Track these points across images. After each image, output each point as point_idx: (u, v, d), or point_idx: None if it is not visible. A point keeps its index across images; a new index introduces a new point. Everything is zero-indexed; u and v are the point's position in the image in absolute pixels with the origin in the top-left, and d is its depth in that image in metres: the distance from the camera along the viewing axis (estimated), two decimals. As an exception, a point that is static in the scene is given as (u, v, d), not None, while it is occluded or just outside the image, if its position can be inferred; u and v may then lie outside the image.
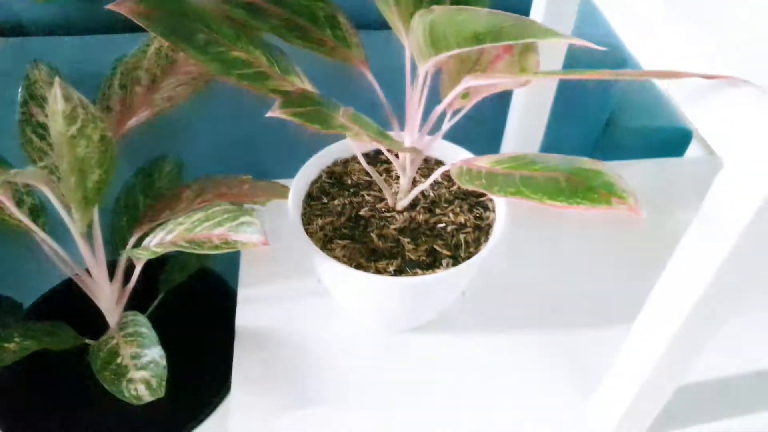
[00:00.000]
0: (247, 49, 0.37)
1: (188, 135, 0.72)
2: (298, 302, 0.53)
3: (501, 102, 0.65)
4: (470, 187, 0.31)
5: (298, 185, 0.47)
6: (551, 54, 0.56)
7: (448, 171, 0.42)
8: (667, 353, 0.37)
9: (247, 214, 0.37)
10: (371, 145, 0.50)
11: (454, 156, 0.50)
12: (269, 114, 0.34)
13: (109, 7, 0.34)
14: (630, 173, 0.66)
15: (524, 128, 0.61)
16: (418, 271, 0.42)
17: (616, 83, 0.70)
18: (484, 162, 0.35)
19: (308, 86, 0.39)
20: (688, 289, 0.33)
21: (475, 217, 0.46)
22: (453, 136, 0.57)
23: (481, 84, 0.38)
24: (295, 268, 0.55)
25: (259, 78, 0.36)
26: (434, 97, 0.42)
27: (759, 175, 0.28)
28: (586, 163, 0.30)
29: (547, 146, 0.69)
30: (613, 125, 0.72)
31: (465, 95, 0.43)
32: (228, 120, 0.67)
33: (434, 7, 0.29)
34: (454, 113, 0.44)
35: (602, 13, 0.40)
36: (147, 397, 0.40)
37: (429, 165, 0.50)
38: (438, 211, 0.46)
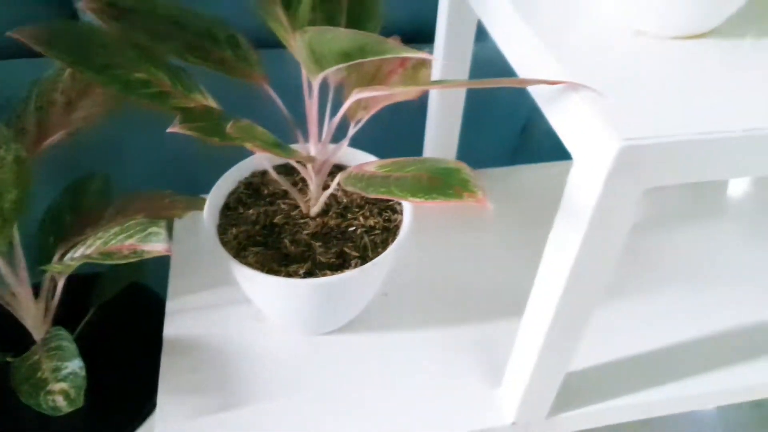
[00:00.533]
0: (148, 71, 0.39)
1: (125, 151, 0.74)
2: (224, 310, 0.55)
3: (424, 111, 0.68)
4: (351, 189, 0.34)
5: (215, 197, 0.49)
6: (457, 66, 0.59)
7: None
8: (548, 339, 0.40)
9: (155, 225, 0.40)
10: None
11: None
12: (169, 130, 0.37)
13: (10, 34, 0.36)
14: (545, 174, 0.72)
15: (440, 135, 0.65)
16: (328, 272, 0.44)
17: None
18: (372, 167, 0.38)
19: (211, 102, 0.41)
20: (557, 276, 0.37)
21: (384, 220, 0.49)
22: (384, 144, 0.59)
23: (374, 96, 0.42)
24: (224, 278, 0.57)
25: (160, 97, 0.38)
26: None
27: (597, 166, 0.32)
28: (451, 163, 0.33)
29: (467, 153, 0.73)
30: (530, 129, 0.77)
31: (365, 106, 0.46)
32: (163, 135, 0.69)
33: (307, 28, 0.32)
34: (358, 122, 0.47)
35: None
36: (65, 407, 0.41)
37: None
38: (349, 215, 0.49)
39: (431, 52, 0.58)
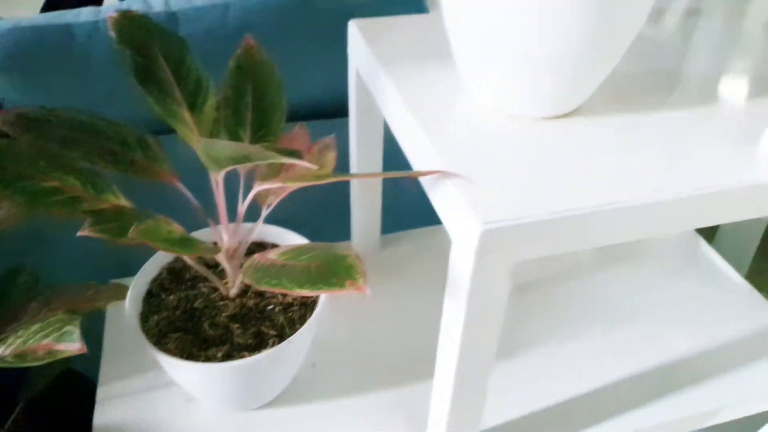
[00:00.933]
0: (59, 178, 0.41)
1: (56, 238, 0.74)
2: (155, 393, 0.56)
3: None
4: (249, 282, 0.37)
5: (137, 285, 0.51)
6: (371, 136, 0.63)
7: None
8: (455, 396, 0.43)
9: (71, 323, 0.41)
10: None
11: (288, 241, 0.56)
12: (79, 233, 0.39)
13: None
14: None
15: (364, 200, 0.68)
16: (245, 353, 0.46)
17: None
18: (274, 254, 0.41)
19: (123, 202, 0.44)
20: (453, 339, 0.40)
21: (302, 296, 0.51)
22: (330, 215, 0.60)
23: (275, 187, 0.45)
24: (154, 361, 0.58)
25: (70, 203, 0.41)
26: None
27: (467, 245, 0.35)
28: (341, 249, 0.37)
29: (393, 213, 0.77)
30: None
31: (274, 191, 0.49)
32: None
33: (200, 138, 0.36)
34: (269, 206, 0.50)
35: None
36: None
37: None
38: (268, 294, 0.51)
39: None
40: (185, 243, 0.40)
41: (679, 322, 0.64)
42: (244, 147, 0.33)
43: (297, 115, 0.80)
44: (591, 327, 0.63)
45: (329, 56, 0.74)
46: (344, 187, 0.71)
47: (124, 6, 0.69)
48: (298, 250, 0.39)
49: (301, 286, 0.34)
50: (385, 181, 0.70)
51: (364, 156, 0.64)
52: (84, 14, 0.66)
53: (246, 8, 0.68)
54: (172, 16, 0.66)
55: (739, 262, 0.87)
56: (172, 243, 0.38)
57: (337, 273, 0.34)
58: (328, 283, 0.33)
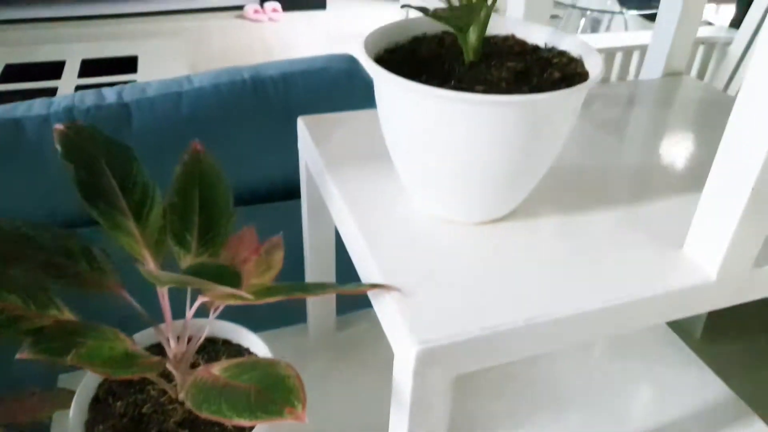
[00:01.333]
0: (-2, 297, 0.41)
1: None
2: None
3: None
4: (189, 405, 0.37)
5: (83, 391, 0.50)
6: (322, 220, 0.64)
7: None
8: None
9: (7, 447, 0.40)
10: (152, 339, 0.55)
11: (239, 337, 0.56)
12: (18, 356, 0.39)
13: None
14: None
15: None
16: (193, 463, 0.46)
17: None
18: (217, 369, 0.41)
19: (67, 316, 0.44)
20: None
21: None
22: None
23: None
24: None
25: (8, 324, 0.40)
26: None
27: (406, 361, 0.36)
28: (283, 369, 0.37)
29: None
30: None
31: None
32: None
33: (143, 256, 0.36)
34: (217, 308, 0.50)
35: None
36: None
37: (216, 347, 0.56)
38: (219, 394, 0.51)
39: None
40: (127, 362, 0.40)
41: (632, 399, 0.65)
42: (182, 277, 0.34)
43: (254, 198, 0.81)
44: (543, 408, 0.64)
45: (282, 141, 0.76)
46: (301, 264, 0.72)
47: (78, 97, 0.70)
48: (241, 367, 0.39)
49: (239, 414, 0.34)
50: (341, 262, 0.71)
51: (316, 243, 0.65)
52: (35, 107, 0.66)
53: (198, 97, 0.70)
54: (124, 107, 0.67)
55: (690, 333, 0.91)
56: (113, 365, 0.38)
57: (276, 399, 0.34)
58: (266, 411, 0.34)
